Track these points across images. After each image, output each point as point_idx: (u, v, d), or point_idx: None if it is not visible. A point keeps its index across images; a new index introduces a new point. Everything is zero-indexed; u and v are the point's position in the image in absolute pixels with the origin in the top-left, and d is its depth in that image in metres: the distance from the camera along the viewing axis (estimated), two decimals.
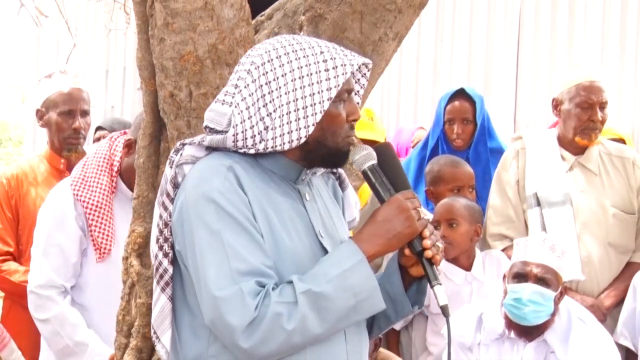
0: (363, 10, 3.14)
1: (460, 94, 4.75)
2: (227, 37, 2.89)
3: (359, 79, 2.44)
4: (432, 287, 2.32)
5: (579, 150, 4.34)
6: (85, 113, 4.31)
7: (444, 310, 2.32)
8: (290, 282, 2.23)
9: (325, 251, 2.35)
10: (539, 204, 4.26)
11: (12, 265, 4.22)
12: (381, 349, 4.10)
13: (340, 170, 2.61)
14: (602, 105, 4.26)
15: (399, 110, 7.03)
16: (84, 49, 7.76)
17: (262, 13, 3.31)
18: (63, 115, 4.27)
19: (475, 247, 4.20)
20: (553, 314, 3.72)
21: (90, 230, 3.76)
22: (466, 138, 4.71)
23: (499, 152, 4.78)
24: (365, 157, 2.37)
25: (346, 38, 3.14)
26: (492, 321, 3.79)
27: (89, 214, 3.75)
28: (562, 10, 6.74)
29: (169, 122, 3.00)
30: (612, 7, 6.65)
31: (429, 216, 4.46)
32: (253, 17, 3.11)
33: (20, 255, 4.26)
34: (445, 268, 4.13)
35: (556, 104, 4.36)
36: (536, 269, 3.71)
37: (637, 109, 6.53)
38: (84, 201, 3.75)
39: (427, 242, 2.31)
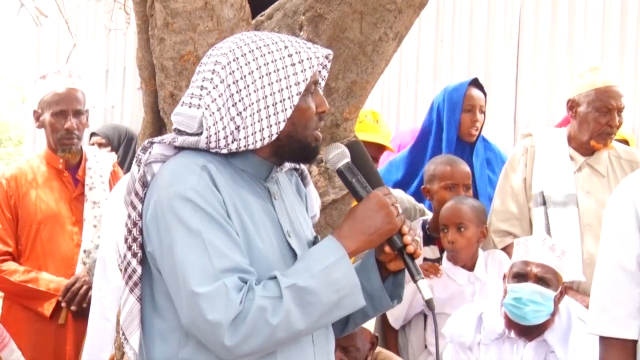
0: (363, 10, 3.14)
1: (475, 83, 4.77)
2: (227, 37, 2.89)
3: (319, 71, 2.41)
4: (415, 281, 2.32)
5: (588, 152, 4.33)
6: (78, 113, 4.28)
7: (429, 304, 2.31)
8: (273, 277, 2.21)
9: (293, 251, 2.34)
10: (544, 203, 4.26)
11: (11, 265, 4.21)
12: (381, 349, 4.09)
13: (303, 166, 2.60)
14: (620, 110, 4.27)
15: (399, 110, 7.03)
16: (84, 49, 7.75)
17: (262, 13, 3.31)
18: (56, 115, 4.25)
19: (478, 247, 4.20)
20: (553, 314, 3.72)
21: None
22: (479, 129, 4.72)
23: (493, 151, 4.80)
24: (339, 156, 2.37)
25: (346, 38, 3.14)
26: (491, 321, 3.79)
27: None
28: (562, 10, 6.74)
29: (169, 122, 3.00)
30: (612, 7, 6.65)
31: (429, 215, 4.47)
32: (253, 17, 3.11)
33: (19, 255, 4.26)
34: (447, 268, 4.13)
35: (572, 106, 4.34)
36: (536, 268, 3.71)
37: (637, 109, 6.53)
38: None
39: (407, 238, 2.31)
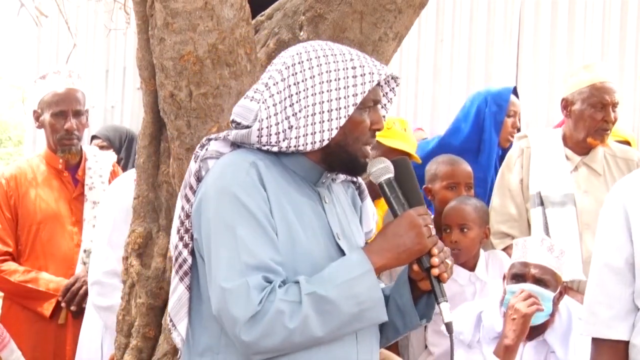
0: (363, 10, 3.14)
1: (514, 91, 4.86)
2: (227, 37, 2.88)
3: (387, 93, 2.49)
4: (438, 304, 2.35)
5: (584, 151, 4.34)
6: (78, 113, 4.28)
7: (449, 328, 2.34)
8: (297, 282, 2.25)
9: (342, 252, 2.38)
10: (542, 203, 4.26)
11: (11, 265, 4.21)
12: (382, 350, 4.09)
13: (360, 180, 2.66)
14: (615, 106, 4.28)
15: (399, 111, 7.02)
16: (84, 49, 7.74)
17: (262, 13, 3.31)
18: (55, 116, 4.26)
19: (480, 247, 4.20)
20: (552, 314, 3.72)
21: None
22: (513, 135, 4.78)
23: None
24: (382, 170, 2.40)
25: (346, 38, 3.14)
26: (491, 320, 3.79)
27: None
28: (562, 10, 6.74)
29: (169, 122, 3.00)
30: (612, 7, 6.65)
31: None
32: (253, 17, 3.11)
33: (19, 255, 4.26)
34: None
35: (566, 105, 4.35)
36: (534, 269, 3.71)
37: (637, 109, 6.53)
38: None
39: (435, 260, 2.33)
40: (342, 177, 2.54)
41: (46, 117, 4.28)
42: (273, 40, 3.17)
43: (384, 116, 2.48)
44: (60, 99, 4.26)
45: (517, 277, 3.74)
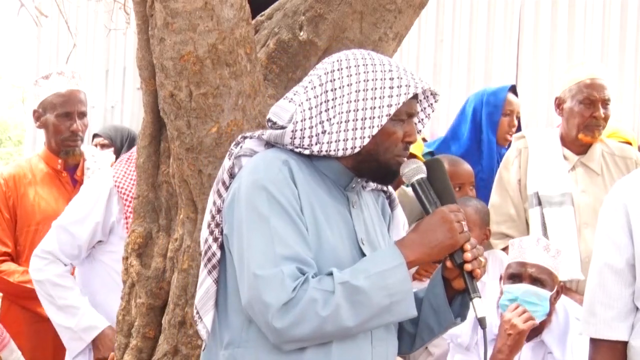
0: (363, 10, 3.14)
1: (513, 90, 4.84)
2: (227, 37, 2.88)
3: (425, 108, 2.52)
4: (470, 299, 2.38)
5: (581, 150, 4.35)
6: (82, 115, 4.31)
7: (482, 323, 2.38)
8: (331, 273, 2.28)
9: (364, 256, 2.40)
10: (540, 203, 4.26)
11: (10, 265, 4.22)
12: None
13: (391, 189, 2.70)
14: (605, 102, 4.28)
15: None
16: (84, 49, 7.75)
17: (262, 13, 3.31)
18: (60, 117, 4.27)
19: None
20: (549, 314, 3.72)
21: (127, 222, 3.79)
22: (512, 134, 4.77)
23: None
24: (414, 171, 2.43)
25: (346, 38, 3.14)
26: (488, 321, 3.79)
27: (128, 205, 3.79)
28: (562, 10, 6.74)
29: (169, 122, 2.99)
30: (612, 7, 6.65)
31: None
32: (253, 17, 3.11)
33: (18, 255, 4.26)
34: None
35: (559, 103, 4.37)
36: (531, 269, 3.71)
37: (637, 109, 6.53)
38: (124, 192, 3.80)
39: (467, 255, 2.37)
40: (372, 185, 2.57)
41: (50, 117, 4.29)
42: (273, 40, 3.17)
43: (419, 131, 2.51)
44: (65, 101, 4.27)
45: (514, 277, 3.74)
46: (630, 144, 5.06)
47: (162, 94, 2.96)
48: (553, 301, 3.73)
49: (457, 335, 3.80)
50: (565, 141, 4.36)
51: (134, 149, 3.95)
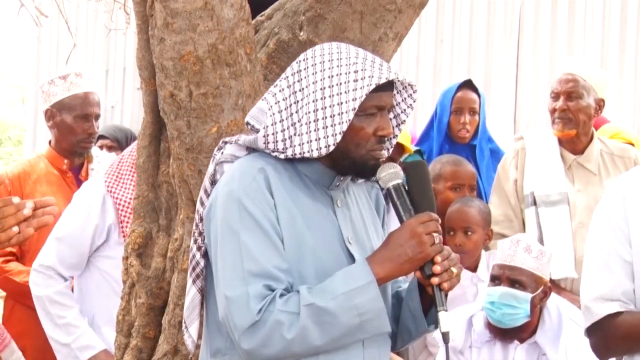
0: (363, 10, 3.14)
1: (467, 85, 4.78)
2: (227, 37, 2.88)
3: (405, 98, 2.45)
4: (437, 312, 2.33)
5: (578, 150, 4.34)
6: (97, 117, 4.37)
7: (445, 338, 2.34)
8: (299, 292, 2.25)
9: (352, 258, 2.37)
10: (535, 203, 4.26)
11: (16, 266, 4.22)
12: None
13: None
14: (569, 95, 4.25)
15: None
16: (84, 49, 7.75)
17: (262, 13, 3.31)
18: (78, 118, 4.30)
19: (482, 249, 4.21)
20: (533, 316, 3.70)
21: (122, 226, 3.79)
22: (471, 130, 4.72)
23: (497, 153, 4.79)
24: (391, 175, 2.38)
25: (346, 38, 3.14)
26: (481, 324, 3.79)
27: (121, 210, 3.79)
28: (562, 10, 6.74)
29: (169, 122, 3.00)
30: (612, 7, 6.65)
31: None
32: (253, 17, 3.11)
33: (22, 255, 4.27)
34: None
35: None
36: (509, 271, 3.70)
37: (637, 109, 6.53)
38: (116, 197, 3.80)
39: (436, 268, 2.31)
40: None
41: (66, 118, 4.30)
42: (273, 40, 3.17)
43: (403, 121, 2.45)
44: (84, 103, 4.31)
45: (494, 279, 3.74)
46: (632, 144, 5.06)
47: (162, 94, 2.96)
48: (538, 302, 3.71)
49: (450, 339, 3.79)
50: (562, 141, 4.36)
51: (125, 151, 3.97)
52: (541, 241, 4.15)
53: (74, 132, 4.31)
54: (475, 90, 4.79)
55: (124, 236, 3.78)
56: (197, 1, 2.82)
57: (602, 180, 4.30)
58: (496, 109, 6.53)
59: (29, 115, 8.38)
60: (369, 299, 2.26)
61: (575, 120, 4.26)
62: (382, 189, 2.48)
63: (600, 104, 4.34)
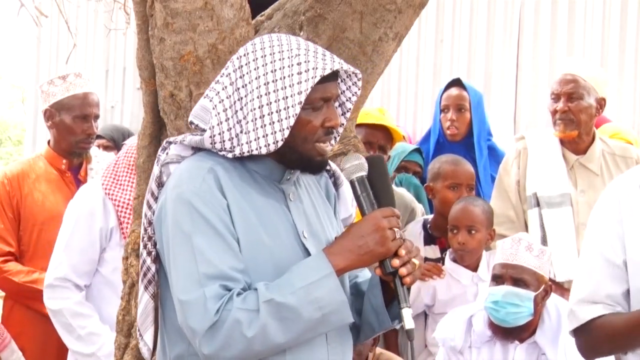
0: (363, 10, 3.14)
1: (456, 83, 4.81)
2: (227, 37, 2.88)
3: (350, 86, 2.40)
4: (400, 309, 2.29)
5: (580, 150, 4.34)
6: (97, 118, 4.37)
7: (409, 335, 2.29)
8: (257, 289, 2.21)
9: (308, 252, 2.33)
10: (538, 204, 4.26)
11: (15, 266, 4.22)
12: (383, 350, 4.10)
13: (335, 167, 2.59)
14: (570, 96, 4.25)
15: (398, 110, 7.02)
16: (84, 49, 7.74)
17: (262, 13, 3.31)
18: (77, 119, 4.31)
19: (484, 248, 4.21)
20: (535, 314, 3.70)
21: (122, 228, 3.79)
22: (461, 127, 4.74)
23: (496, 151, 4.80)
24: (355, 167, 2.35)
25: (346, 38, 3.14)
26: (481, 324, 3.79)
27: (120, 212, 3.79)
28: (562, 10, 6.73)
29: (169, 122, 3.00)
30: (612, 7, 6.65)
31: (422, 217, 4.48)
32: (253, 17, 3.11)
33: (21, 255, 4.27)
34: (451, 269, 4.14)
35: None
36: (511, 270, 3.70)
37: (637, 109, 6.53)
38: (115, 199, 3.80)
39: (395, 262, 2.28)
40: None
41: (65, 118, 4.31)
42: None
43: (348, 109, 2.40)
44: (83, 103, 4.32)
45: (496, 278, 3.74)
46: (632, 144, 5.06)
47: (162, 94, 2.96)
48: (540, 301, 3.71)
49: (450, 339, 3.80)
50: (564, 141, 4.36)
51: (120, 153, 3.97)
52: (544, 242, 4.15)
53: (72, 133, 4.32)
54: (464, 87, 4.82)
55: (124, 237, 3.78)
56: (197, 1, 2.83)
57: (604, 181, 4.29)
58: (496, 109, 6.52)
59: (29, 115, 8.38)
60: (329, 291, 2.22)
61: (577, 121, 4.27)
62: (346, 180, 2.44)
63: (601, 103, 4.34)
